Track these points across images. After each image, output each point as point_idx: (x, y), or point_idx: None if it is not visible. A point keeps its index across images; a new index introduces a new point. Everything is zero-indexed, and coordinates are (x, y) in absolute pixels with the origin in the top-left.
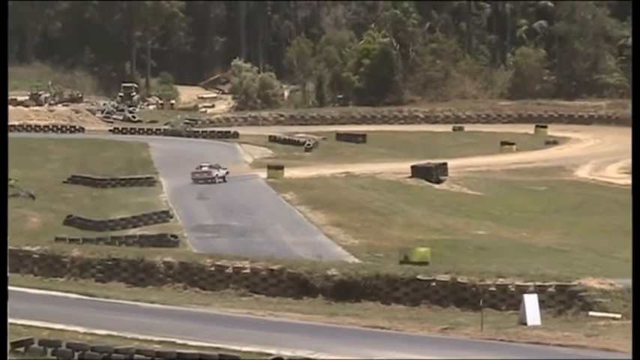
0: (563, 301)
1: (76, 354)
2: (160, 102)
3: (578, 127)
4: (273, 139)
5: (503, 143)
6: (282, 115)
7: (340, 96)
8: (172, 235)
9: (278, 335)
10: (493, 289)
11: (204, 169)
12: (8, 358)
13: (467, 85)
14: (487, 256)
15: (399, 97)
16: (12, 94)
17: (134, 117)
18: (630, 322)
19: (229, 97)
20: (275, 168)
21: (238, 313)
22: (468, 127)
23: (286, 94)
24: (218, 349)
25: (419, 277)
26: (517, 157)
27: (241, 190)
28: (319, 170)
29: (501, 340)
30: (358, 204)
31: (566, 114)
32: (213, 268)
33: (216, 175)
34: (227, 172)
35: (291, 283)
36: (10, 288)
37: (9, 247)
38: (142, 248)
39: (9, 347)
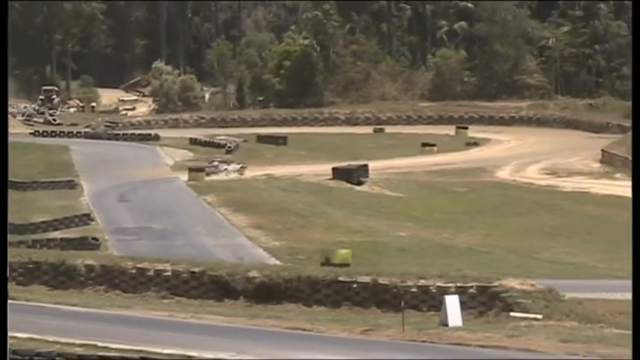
0: (484, 302)
1: None
2: (81, 105)
3: (499, 128)
4: (194, 141)
5: (424, 145)
6: (202, 118)
7: (261, 98)
8: (93, 238)
9: (200, 338)
10: (414, 290)
11: (214, 163)
12: (8, 358)
13: (387, 86)
14: (408, 257)
15: (320, 99)
16: None
17: (55, 120)
18: (552, 322)
19: (150, 99)
20: (196, 170)
21: (160, 315)
22: (388, 129)
23: (207, 96)
24: (140, 351)
25: (340, 278)
26: (438, 158)
27: (162, 193)
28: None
29: (423, 342)
30: (279, 206)
31: (487, 115)
32: (134, 271)
33: (226, 169)
34: (242, 167)
35: (212, 286)
36: None
37: None
38: (63, 251)
39: None
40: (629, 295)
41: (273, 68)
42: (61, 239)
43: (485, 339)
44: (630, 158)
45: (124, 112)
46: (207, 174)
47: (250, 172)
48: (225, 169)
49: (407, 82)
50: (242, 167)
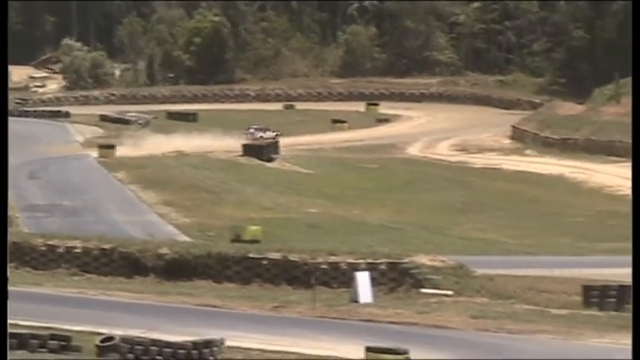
0: (394, 278)
1: None
2: None
3: (409, 104)
4: (104, 118)
5: (334, 121)
6: (113, 95)
7: (171, 75)
8: None
9: (110, 314)
10: (325, 267)
11: (250, 130)
12: (8, 358)
13: (298, 63)
14: (319, 234)
15: (231, 76)
16: None
17: None
18: (463, 298)
19: (60, 76)
20: (106, 147)
21: (70, 292)
22: (299, 105)
23: (117, 73)
24: (49, 328)
25: (250, 255)
26: (348, 135)
27: (73, 170)
28: (150, 149)
29: (333, 318)
30: (190, 183)
31: (398, 92)
32: (44, 248)
33: (261, 136)
34: (276, 135)
35: (122, 262)
36: None
37: None
38: None
39: None
40: (539, 271)
41: (184, 45)
42: None
43: (396, 315)
44: (541, 134)
45: (34, 89)
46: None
47: (161, 149)
48: (261, 137)
49: (317, 59)
50: (277, 135)
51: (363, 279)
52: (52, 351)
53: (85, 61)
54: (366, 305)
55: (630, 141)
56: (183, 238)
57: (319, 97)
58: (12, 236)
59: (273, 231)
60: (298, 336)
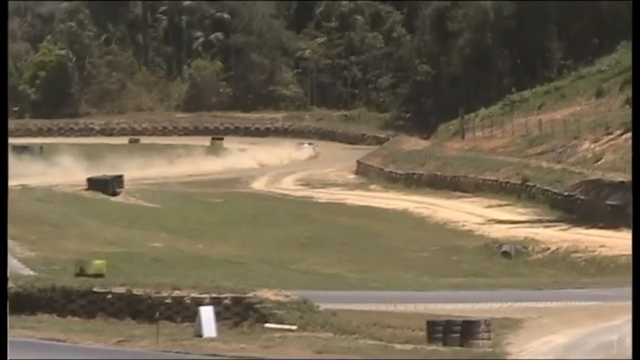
0: (238, 312)
1: None
2: None
3: (254, 139)
4: None
5: (179, 156)
6: None
7: (16, 108)
8: None
9: None
10: (169, 301)
11: None
12: (8, 358)
13: (143, 97)
14: (163, 268)
15: (76, 110)
16: None
17: None
18: (307, 333)
19: None
20: None
21: None
22: (144, 140)
23: None
24: None
25: (94, 289)
26: (193, 168)
27: None
28: None
29: (177, 352)
30: (34, 216)
31: (243, 126)
32: None
33: None
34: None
35: None
36: None
37: None
38: None
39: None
40: (383, 306)
41: (28, 79)
42: None
43: (240, 350)
44: (386, 169)
45: None
46: None
47: None
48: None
49: (162, 93)
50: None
51: (207, 313)
52: None
53: None
54: (210, 340)
55: (474, 176)
56: (28, 271)
57: (164, 132)
58: None
59: (118, 265)
60: None
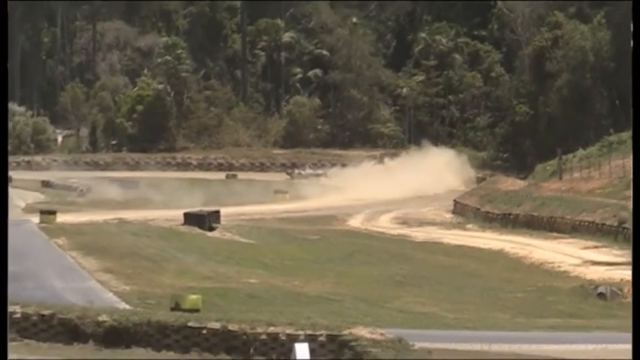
0: (333, 350)
1: None
2: None
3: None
4: (45, 184)
5: (276, 192)
6: (55, 160)
7: (114, 142)
8: None
9: None
10: (264, 337)
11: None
12: (8, 357)
13: (241, 132)
14: (258, 304)
15: (173, 144)
16: None
17: None
18: None
19: None
20: (48, 213)
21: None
22: (241, 175)
23: (60, 139)
24: None
25: (190, 324)
26: (290, 205)
27: (13, 235)
28: (92, 216)
29: None
30: (130, 250)
31: (340, 163)
32: None
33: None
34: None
35: (61, 329)
36: None
37: None
38: None
39: None
40: (477, 346)
41: (126, 112)
42: None
43: None
44: (482, 209)
45: None
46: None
47: (102, 216)
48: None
49: (260, 129)
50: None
51: (302, 350)
52: None
53: (27, 126)
54: None
55: (571, 217)
56: (123, 305)
57: (262, 167)
58: None
59: (213, 300)
60: None
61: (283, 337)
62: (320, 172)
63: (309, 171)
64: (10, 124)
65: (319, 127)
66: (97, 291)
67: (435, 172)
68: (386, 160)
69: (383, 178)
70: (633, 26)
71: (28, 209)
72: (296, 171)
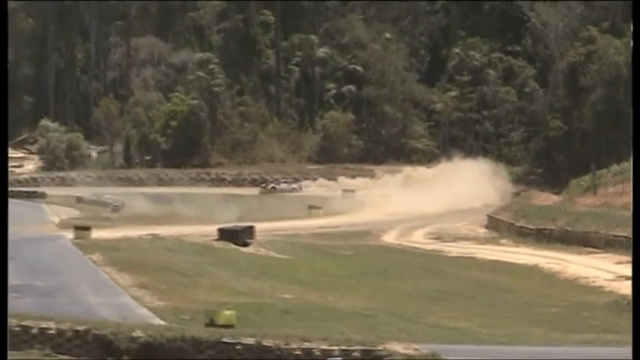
0: None
1: None
2: None
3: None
4: (80, 199)
5: (310, 207)
6: (89, 176)
7: (148, 157)
8: None
9: None
10: (298, 352)
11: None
12: (8, 358)
13: (275, 148)
14: (292, 319)
15: (207, 159)
16: None
17: None
18: None
19: (37, 157)
20: (82, 229)
21: None
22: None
23: (94, 154)
24: None
25: (224, 339)
26: (324, 220)
27: (47, 251)
28: (126, 231)
29: None
30: (164, 266)
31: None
32: (18, 329)
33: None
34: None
35: (96, 344)
36: None
37: None
38: None
39: None
40: None
41: (160, 128)
42: None
43: None
44: (516, 224)
45: (11, 169)
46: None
47: (136, 232)
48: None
49: (294, 144)
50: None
51: None
52: None
53: (62, 142)
54: None
55: (605, 232)
56: (157, 321)
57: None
58: None
59: (247, 316)
60: None
61: (317, 353)
62: (294, 186)
63: (283, 185)
64: (44, 140)
65: (353, 142)
66: (132, 307)
67: (471, 184)
68: (421, 169)
69: (419, 193)
70: (633, 26)
71: (63, 225)
72: (269, 186)
